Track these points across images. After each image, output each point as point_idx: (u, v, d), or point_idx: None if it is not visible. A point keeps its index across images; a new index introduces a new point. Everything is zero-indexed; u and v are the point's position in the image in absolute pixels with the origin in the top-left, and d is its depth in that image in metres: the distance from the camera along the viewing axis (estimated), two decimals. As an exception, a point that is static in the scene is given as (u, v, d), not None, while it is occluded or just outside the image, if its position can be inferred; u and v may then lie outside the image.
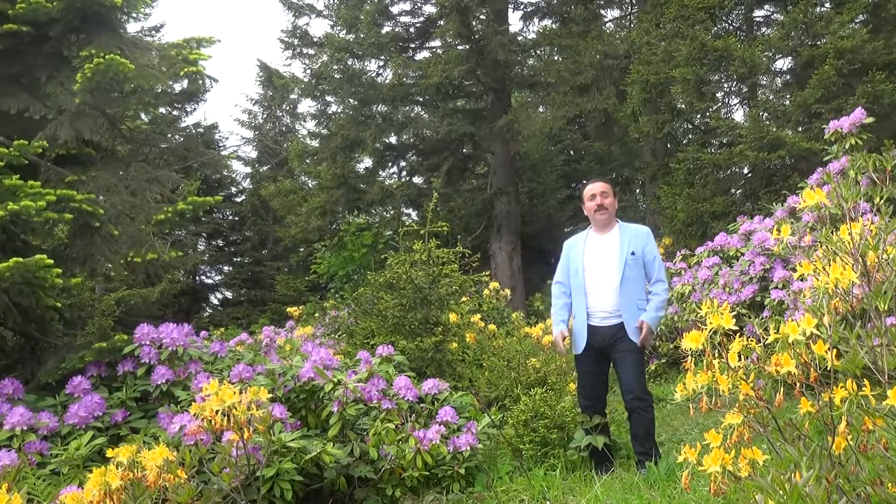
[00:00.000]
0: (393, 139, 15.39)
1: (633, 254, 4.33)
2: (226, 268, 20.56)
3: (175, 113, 15.32)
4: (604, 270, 4.38)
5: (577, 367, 4.65)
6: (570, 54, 13.95)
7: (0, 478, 3.20)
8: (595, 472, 4.25)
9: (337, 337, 8.23)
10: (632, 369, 4.32)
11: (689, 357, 2.19)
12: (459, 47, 13.98)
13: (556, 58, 14.87)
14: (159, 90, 5.77)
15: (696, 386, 2.14)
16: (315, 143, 16.55)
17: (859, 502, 1.89)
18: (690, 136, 13.10)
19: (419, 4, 15.16)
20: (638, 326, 4.22)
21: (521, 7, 15.55)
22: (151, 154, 5.78)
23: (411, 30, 15.25)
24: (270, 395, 3.37)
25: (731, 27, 11.78)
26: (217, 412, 2.94)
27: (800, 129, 9.62)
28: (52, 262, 4.24)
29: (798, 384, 2.05)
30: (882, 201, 2.41)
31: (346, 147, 14.43)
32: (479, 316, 8.25)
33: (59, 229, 5.29)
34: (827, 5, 10.32)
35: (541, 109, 16.05)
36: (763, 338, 2.12)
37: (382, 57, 14.42)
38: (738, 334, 2.15)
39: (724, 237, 8.10)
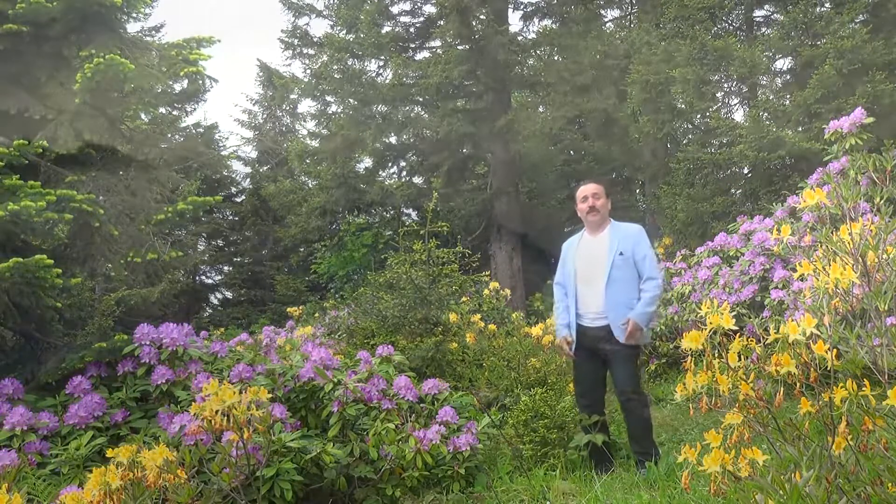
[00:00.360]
0: (393, 139, 15.39)
1: (621, 254, 4.33)
2: (226, 268, 20.55)
3: (175, 113, 15.31)
4: (592, 272, 4.40)
5: (573, 368, 4.68)
6: (570, 54, 13.95)
7: (0, 478, 3.20)
8: (595, 471, 4.25)
9: (337, 337, 8.23)
10: (623, 370, 4.33)
11: (689, 357, 2.19)
12: (459, 47, 13.98)
13: (556, 58, 14.86)
14: (159, 90, 5.77)
15: (696, 386, 2.14)
16: (315, 143, 16.55)
17: (859, 502, 1.89)
18: (690, 136, 13.10)
19: (419, 4, 15.17)
20: (623, 324, 4.23)
21: (521, 7, 15.55)
22: (151, 154, 5.77)
23: (411, 30, 15.25)
24: (270, 395, 3.37)
25: (731, 27, 11.78)
26: (217, 412, 2.94)
27: (800, 129, 9.62)
28: (52, 262, 4.24)
29: (798, 384, 2.05)
30: (882, 201, 2.42)
31: (346, 147, 14.43)
32: (479, 316, 8.25)
33: (59, 229, 5.29)
34: (827, 5, 10.32)
35: (541, 109, 16.04)
36: (763, 338, 2.12)
37: (382, 57, 14.42)
38: (738, 334, 2.15)
39: (724, 237, 8.10)
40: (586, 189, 4.53)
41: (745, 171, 11.15)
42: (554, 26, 15.11)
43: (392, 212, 16.57)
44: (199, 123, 18.11)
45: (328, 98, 15.64)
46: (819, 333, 2.02)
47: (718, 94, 11.39)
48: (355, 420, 4.35)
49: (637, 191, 19.54)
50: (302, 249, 19.16)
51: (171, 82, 5.80)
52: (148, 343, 4.47)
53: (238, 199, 21.00)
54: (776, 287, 6.24)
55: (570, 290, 4.52)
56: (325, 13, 15.72)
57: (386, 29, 14.65)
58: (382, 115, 14.44)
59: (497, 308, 9.38)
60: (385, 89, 14.04)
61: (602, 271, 4.35)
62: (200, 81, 5.69)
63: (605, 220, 4.53)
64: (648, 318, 4.30)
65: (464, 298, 8.36)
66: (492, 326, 8.07)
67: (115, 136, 5.49)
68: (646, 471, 4.04)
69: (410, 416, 4.56)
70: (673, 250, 10.17)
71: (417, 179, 16.67)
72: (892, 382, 1.92)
